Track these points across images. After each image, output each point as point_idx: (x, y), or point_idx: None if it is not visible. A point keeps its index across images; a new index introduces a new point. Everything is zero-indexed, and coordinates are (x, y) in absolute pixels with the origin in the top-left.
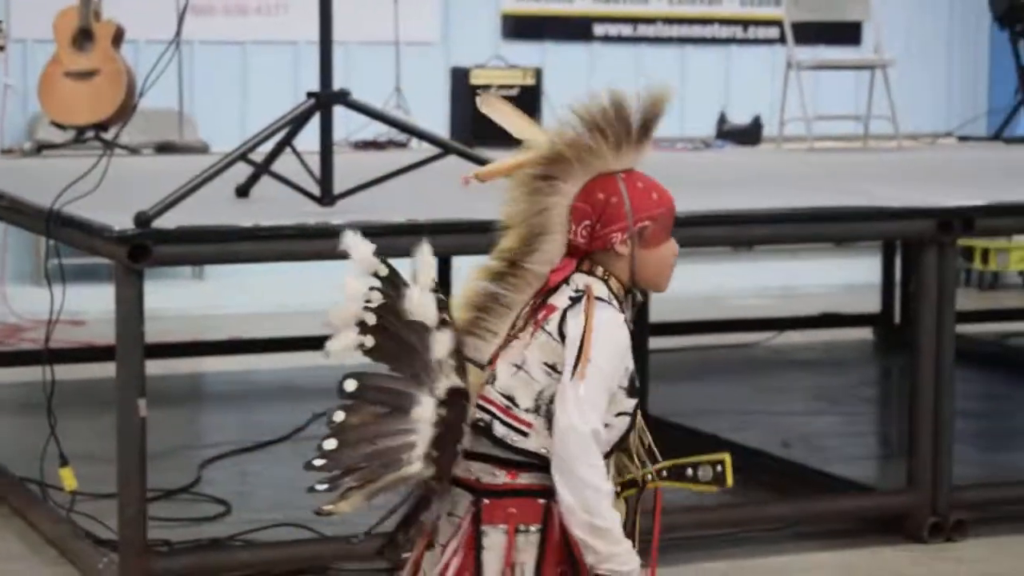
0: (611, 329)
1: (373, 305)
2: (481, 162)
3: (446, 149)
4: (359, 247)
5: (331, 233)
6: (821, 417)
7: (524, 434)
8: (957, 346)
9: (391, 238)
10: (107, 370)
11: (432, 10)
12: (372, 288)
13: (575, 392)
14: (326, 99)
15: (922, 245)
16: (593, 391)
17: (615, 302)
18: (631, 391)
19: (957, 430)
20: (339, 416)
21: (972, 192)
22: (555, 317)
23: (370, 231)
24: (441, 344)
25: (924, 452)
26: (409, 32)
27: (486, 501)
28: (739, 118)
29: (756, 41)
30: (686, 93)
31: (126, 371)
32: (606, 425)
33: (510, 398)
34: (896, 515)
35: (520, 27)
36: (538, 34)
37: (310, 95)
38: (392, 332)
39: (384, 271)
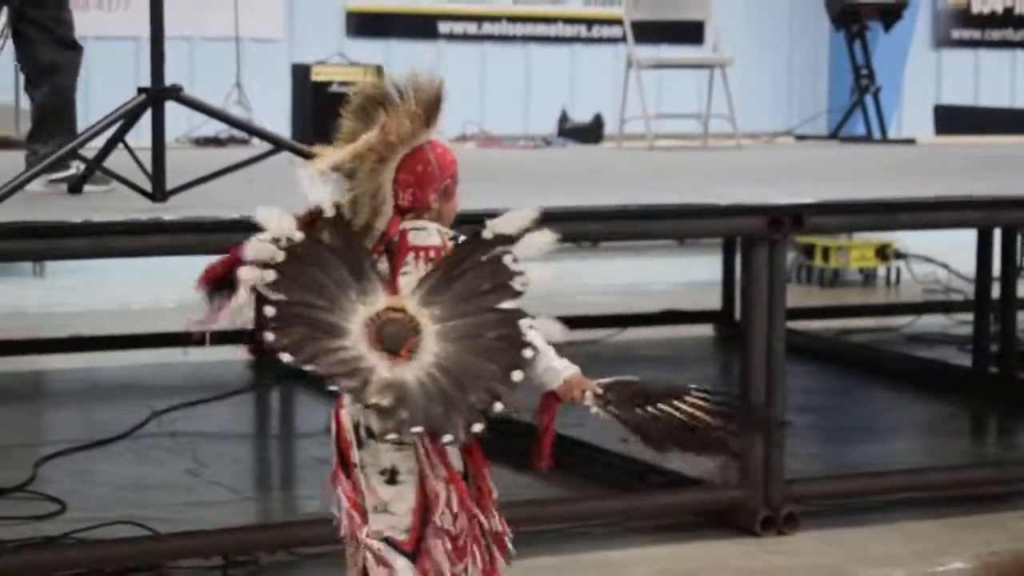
0: None
1: (292, 244)
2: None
3: (278, 145)
4: (316, 189)
5: (163, 229)
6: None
7: None
8: (796, 342)
9: (224, 234)
10: None
11: (276, 6)
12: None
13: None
14: (157, 94)
15: (753, 242)
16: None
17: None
18: None
19: (795, 425)
20: (269, 337)
21: (803, 190)
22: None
23: (203, 227)
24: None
25: (756, 446)
26: (253, 28)
27: None
28: (583, 116)
29: (600, 40)
30: (530, 91)
31: None
32: None
33: None
34: (729, 509)
35: (365, 24)
36: (383, 31)
37: (141, 90)
38: (311, 267)
39: (333, 212)
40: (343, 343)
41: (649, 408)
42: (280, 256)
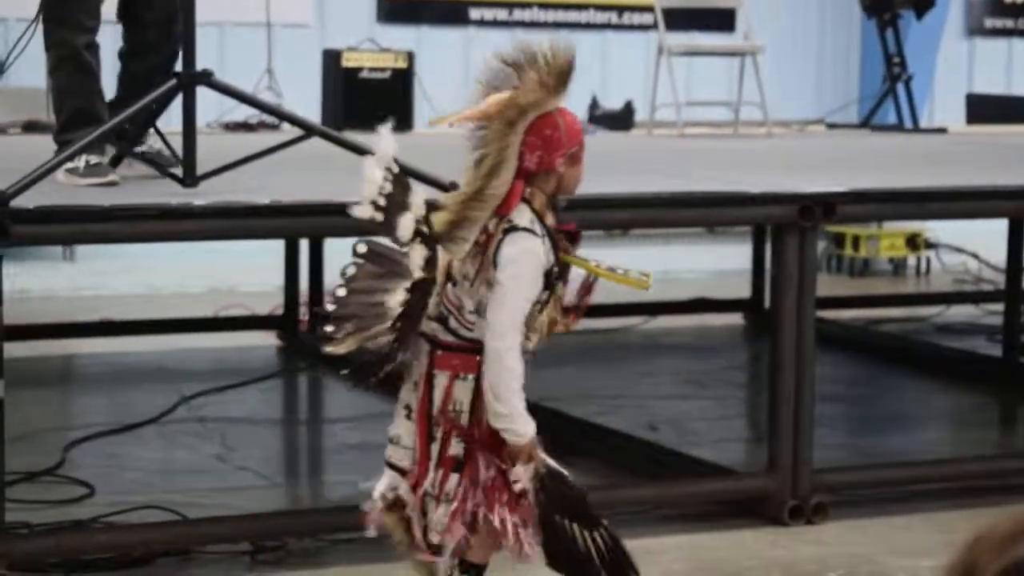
0: (528, 258)
1: (385, 191)
2: (345, 145)
3: (309, 131)
4: (385, 143)
5: (193, 214)
6: (690, 401)
7: (469, 329)
8: (826, 331)
9: (255, 219)
10: None
11: None
12: (385, 180)
13: (497, 316)
14: (188, 79)
15: (783, 230)
16: (511, 314)
17: (536, 224)
18: (545, 284)
19: (824, 414)
20: (350, 270)
21: (834, 178)
22: (493, 244)
23: (233, 213)
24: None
25: (784, 435)
26: (284, 14)
27: (439, 352)
28: (614, 104)
29: (631, 27)
30: None
31: None
32: None
33: (460, 301)
34: (757, 498)
35: (395, 10)
36: (414, 17)
37: (172, 75)
38: (392, 216)
39: (396, 169)
40: (391, 285)
41: (567, 521)
42: (382, 201)
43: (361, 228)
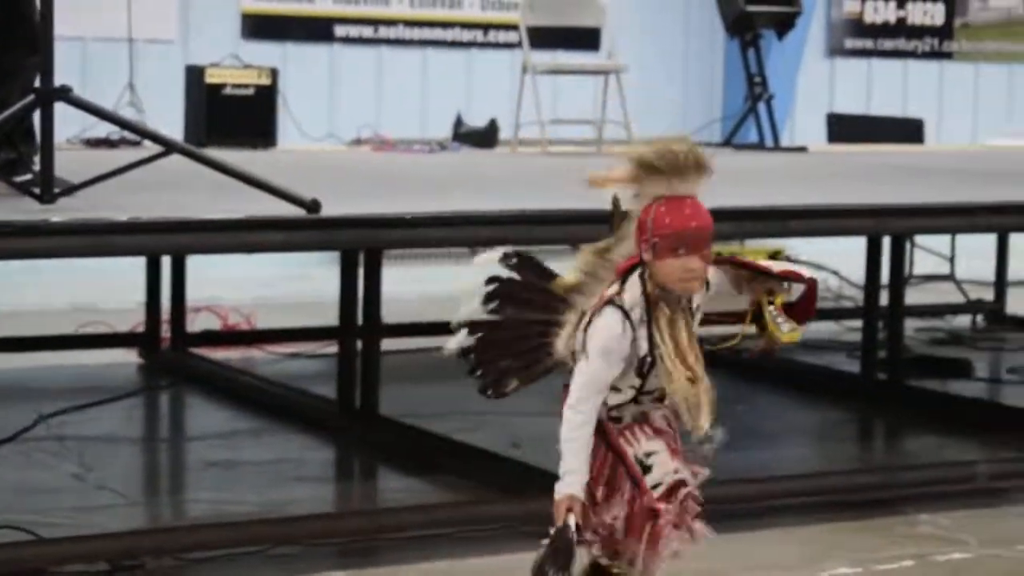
0: (599, 334)
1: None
2: (206, 162)
3: (169, 147)
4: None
5: (51, 231)
6: (555, 418)
7: None
8: None
9: (114, 236)
10: None
11: (170, 7)
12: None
13: (573, 381)
14: (46, 95)
15: None
16: (581, 380)
17: (632, 302)
18: (639, 372)
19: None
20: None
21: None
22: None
23: (91, 230)
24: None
25: None
26: (147, 29)
27: None
28: (479, 121)
29: (497, 45)
30: (426, 95)
31: None
32: (617, 390)
33: None
34: None
35: (260, 26)
36: (278, 34)
37: (30, 91)
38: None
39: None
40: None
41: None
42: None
43: (224, 246)
